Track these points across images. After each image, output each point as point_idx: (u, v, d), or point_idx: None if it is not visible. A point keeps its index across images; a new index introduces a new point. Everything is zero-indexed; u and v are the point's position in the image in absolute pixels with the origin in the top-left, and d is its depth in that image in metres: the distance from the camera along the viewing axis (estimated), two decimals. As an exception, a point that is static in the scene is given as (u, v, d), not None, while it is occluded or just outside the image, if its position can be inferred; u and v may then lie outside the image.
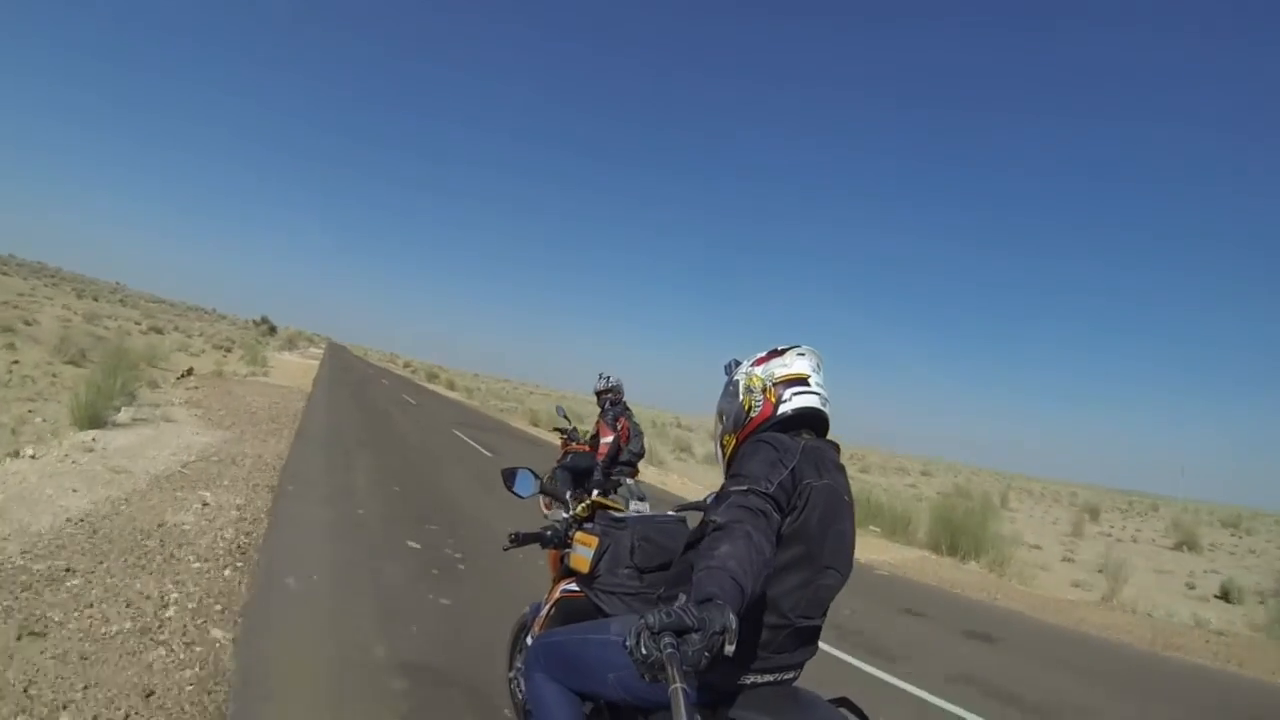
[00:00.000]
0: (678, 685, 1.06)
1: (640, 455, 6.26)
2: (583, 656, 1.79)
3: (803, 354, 1.80)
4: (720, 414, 1.89)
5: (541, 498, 6.25)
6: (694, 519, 1.95)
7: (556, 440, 7.29)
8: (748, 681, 1.56)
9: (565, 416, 7.19)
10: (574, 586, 2.13)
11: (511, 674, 2.61)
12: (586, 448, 6.41)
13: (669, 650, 1.08)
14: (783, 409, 1.71)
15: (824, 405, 1.75)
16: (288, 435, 9.30)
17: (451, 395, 34.24)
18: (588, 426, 6.96)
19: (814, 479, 1.55)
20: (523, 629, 2.55)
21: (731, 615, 1.14)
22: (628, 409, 6.32)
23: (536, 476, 2.45)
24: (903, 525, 10.66)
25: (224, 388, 13.67)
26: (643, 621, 1.13)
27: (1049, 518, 22.66)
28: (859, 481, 18.40)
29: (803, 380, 1.74)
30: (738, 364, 1.92)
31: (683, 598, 1.25)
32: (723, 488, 1.54)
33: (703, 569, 1.27)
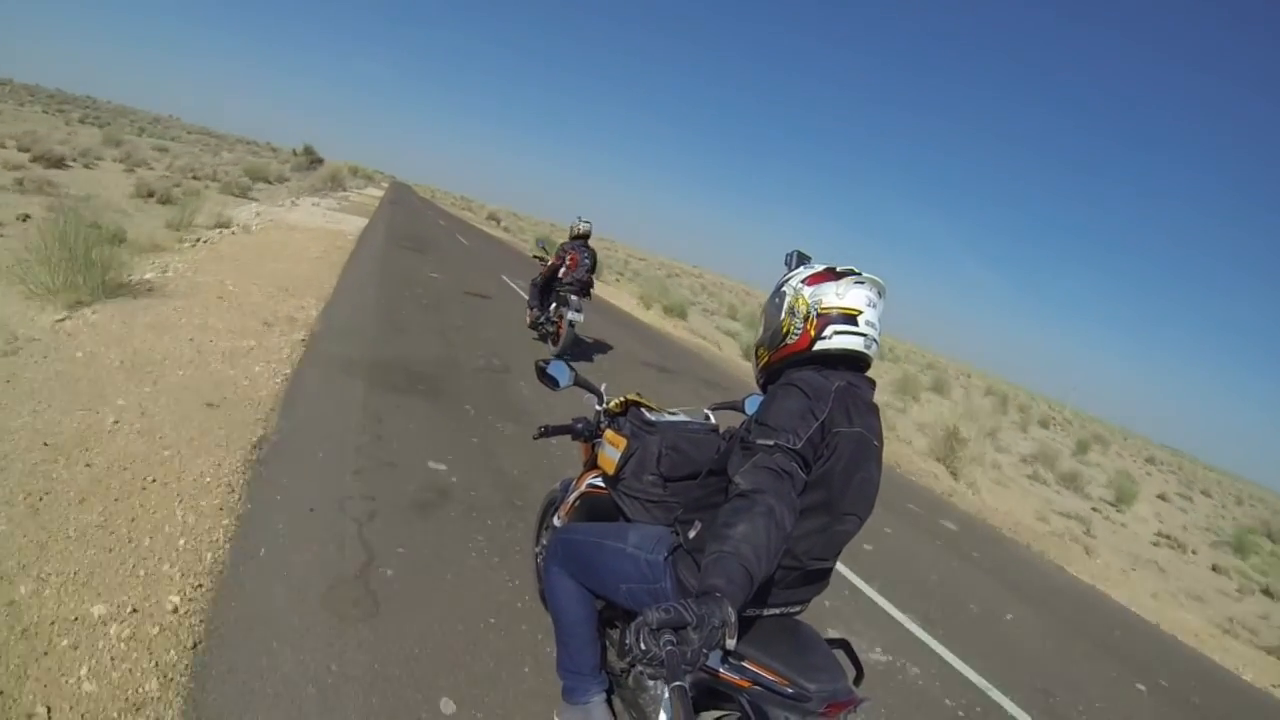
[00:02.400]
0: (677, 683, 1.09)
1: (584, 282, 7.66)
2: (598, 561, 1.80)
3: (860, 283, 1.62)
4: (765, 319, 1.77)
5: (528, 311, 8.39)
6: (724, 421, 2.25)
7: (538, 265, 8.39)
8: (752, 614, 1.57)
9: (544, 248, 8.65)
10: (599, 482, 2.13)
11: (538, 549, 2.67)
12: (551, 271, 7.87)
13: (668, 648, 1.09)
14: (819, 345, 1.61)
15: (868, 347, 1.62)
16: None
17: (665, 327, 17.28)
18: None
19: (844, 425, 1.50)
20: (551, 505, 2.60)
21: (730, 610, 1.15)
22: (586, 248, 7.70)
23: (571, 367, 2.38)
24: None
25: None
26: (643, 618, 1.12)
27: None
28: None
29: (851, 317, 1.60)
30: (800, 260, 1.77)
31: (696, 528, 1.59)
32: (750, 435, 1.46)
33: (714, 553, 1.25)
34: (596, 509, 2.15)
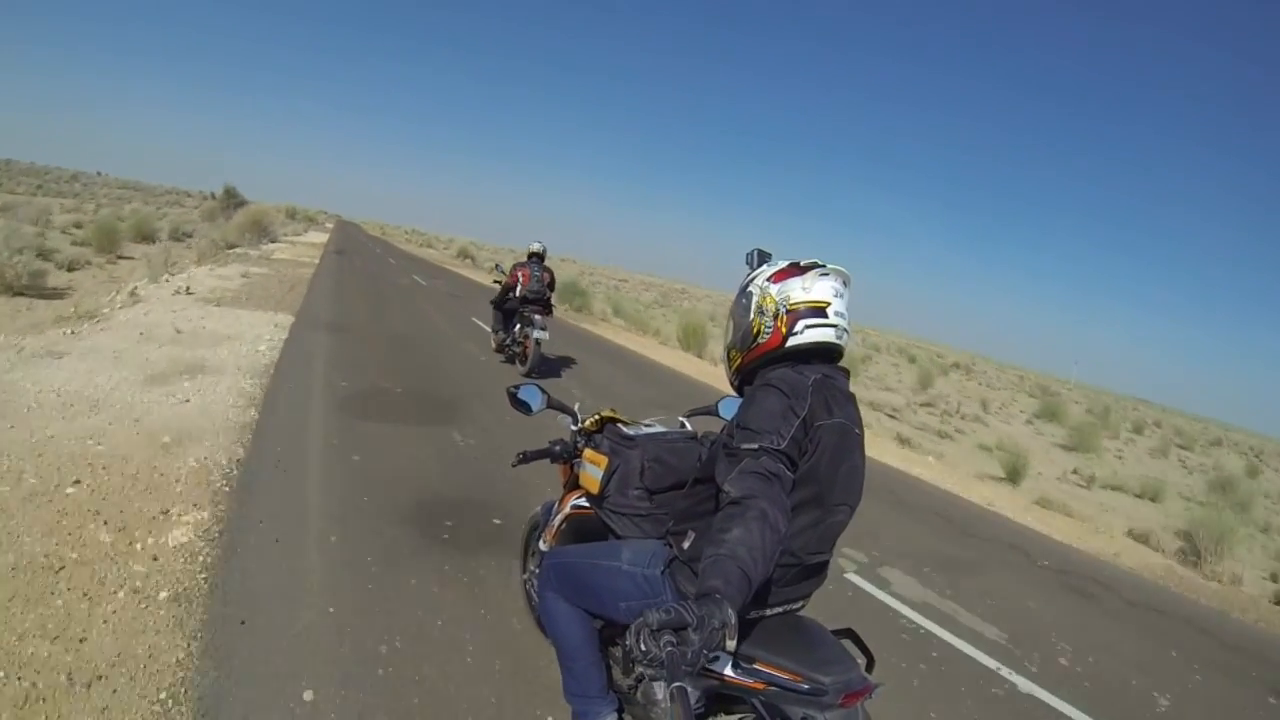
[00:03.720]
0: (678, 683, 1.09)
1: (538, 295, 8.04)
2: (594, 581, 1.80)
3: (825, 274, 1.64)
4: (733, 320, 1.78)
5: (493, 336, 8.91)
6: (701, 427, 2.30)
7: (496, 288, 8.98)
8: (755, 615, 1.57)
9: (501, 271, 9.05)
10: (584, 503, 2.13)
11: (525, 576, 2.71)
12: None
13: (669, 649, 1.08)
14: (792, 341, 1.61)
15: (840, 338, 1.64)
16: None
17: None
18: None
19: (825, 418, 1.51)
20: (534, 529, 2.60)
21: (730, 611, 1.15)
22: (537, 266, 8.18)
23: (543, 390, 2.38)
24: None
25: None
26: (643, 619, 1.12)
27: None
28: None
29: (820, 310, 1.61)
30: (760, 258, 1.77)
31: (690, 538, 1.60)
32: (732, 439, 1.47)
33: (710, 556, 1.26)
34: (583, 530, 2.11)
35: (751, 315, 1.66)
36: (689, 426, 2.30)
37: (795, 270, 1.64)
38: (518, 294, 8.00)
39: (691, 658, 1.08)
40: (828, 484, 1.51)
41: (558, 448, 2.25)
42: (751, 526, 1.26)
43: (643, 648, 1.09)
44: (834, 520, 1.56)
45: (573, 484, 2.24)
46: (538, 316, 7.79)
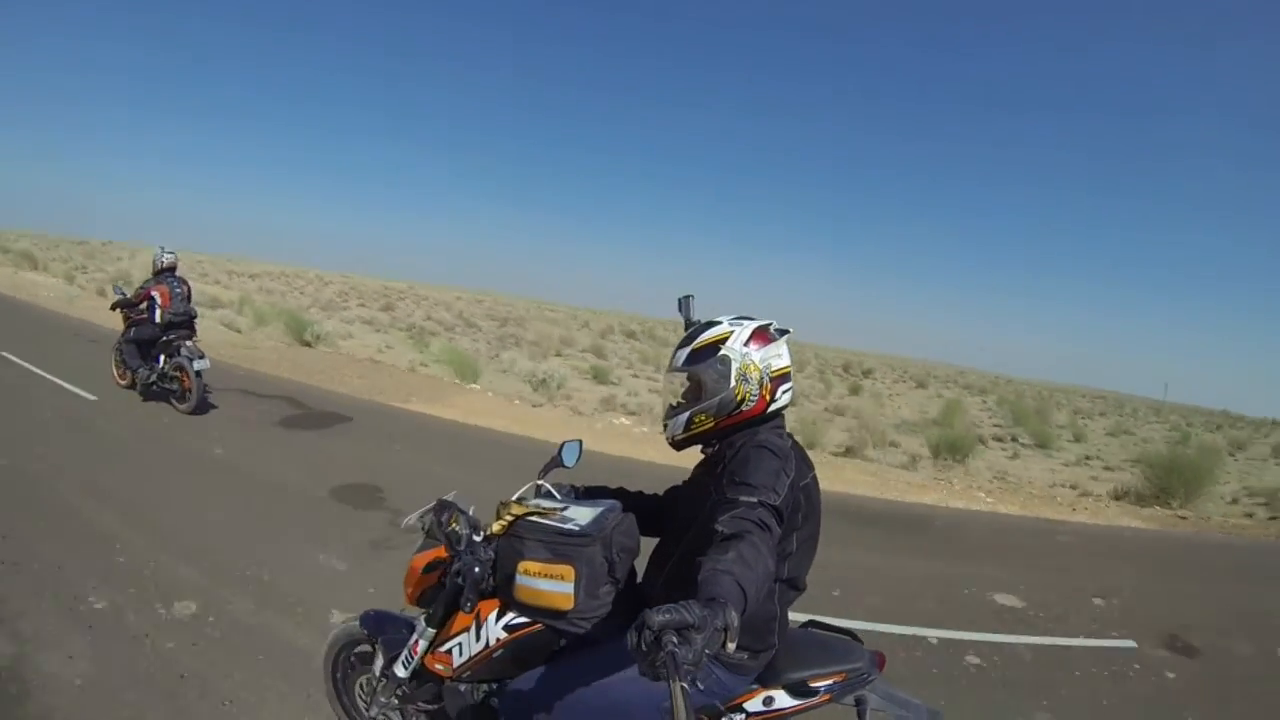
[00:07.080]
0: (679, 683, 1.07)
1: (185, 316, 6.93)
2: (615, 699, 1.65)
3: (788, 339, 1.76)
4: (703, 384, 1.74)
5: (124, 372, 7.30)
6: (559, 478, 2.16)
7: (119, 316, 7.51)
8: (778, 645, 1.69)
9: (121, 292, 7.49)
10: (520, 621, 1.79)
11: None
12: (144, 317, 6.92)
13: (671, 648, 1.07)
14: (774, 406, 1.72)
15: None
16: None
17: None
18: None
19: (805, 476, 1.64)
20: (343, 650, 2.28)
21: (734, 614, 1.15)
22: (175, 281, 6.98)
23: (445, 503, 1.89)
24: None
25: None
26: (644, 619, 1.10)
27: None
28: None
29: (789, 375, 1.74)
30: (690, 305, 1.87)
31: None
32: (729, 494, 1.51)
33: (707, 571, 1.27)
34: (531, 650, 1.79)
35: (734, 382, 1.69)
36: (549, 487, 2.05)
37: (767, 335, 1.71)
38: (159, 319, 6.80)
39: (694, 657, 1.06)
40: (818, 523, 1.70)
41: (476, 569, 1.75)
42: (745, 553, 1.30)
43: (644, 648, 1.07)
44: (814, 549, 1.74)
45: (453, 597, 1.83)
46: (189, 343, 6.79)
